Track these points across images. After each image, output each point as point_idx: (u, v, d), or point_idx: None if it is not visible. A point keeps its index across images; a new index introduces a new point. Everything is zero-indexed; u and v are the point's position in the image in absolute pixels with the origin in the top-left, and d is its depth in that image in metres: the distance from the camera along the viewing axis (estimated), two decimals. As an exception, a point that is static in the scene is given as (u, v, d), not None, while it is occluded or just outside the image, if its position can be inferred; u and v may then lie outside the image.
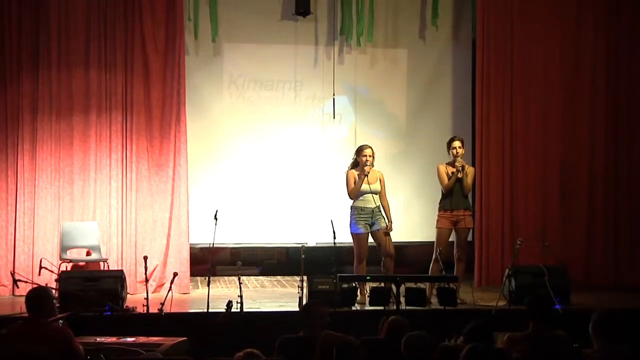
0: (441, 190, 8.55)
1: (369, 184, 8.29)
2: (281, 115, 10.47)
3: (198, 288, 9.52)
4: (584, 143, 9.97)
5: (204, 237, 9.01)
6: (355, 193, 8.35)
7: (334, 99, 10.30)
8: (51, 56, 9.11)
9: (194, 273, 9.54)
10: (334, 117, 10.34)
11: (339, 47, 10.47)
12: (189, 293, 9.18)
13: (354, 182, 8.35)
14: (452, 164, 8.49)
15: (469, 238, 8.92)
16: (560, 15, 9.97)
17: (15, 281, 8.16)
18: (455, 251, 8.52)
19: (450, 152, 8.49)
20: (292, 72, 10.49)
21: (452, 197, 8.46)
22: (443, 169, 8.53)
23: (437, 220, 8.55)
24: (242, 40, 10.39)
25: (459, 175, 8.39)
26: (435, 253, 8.36)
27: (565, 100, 9.97)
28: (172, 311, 7.48)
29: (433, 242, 8.64)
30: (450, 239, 8.56)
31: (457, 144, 8.48)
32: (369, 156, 8.34)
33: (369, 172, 8.27)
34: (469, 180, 8.52)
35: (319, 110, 10.53)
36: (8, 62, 9.07)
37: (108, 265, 8.91)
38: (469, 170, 8.58)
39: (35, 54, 9.10)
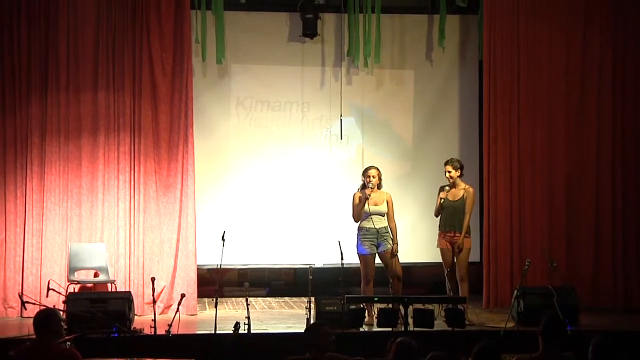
0: None
1: (370, 205, 8.28)
2: (288, 136, 10.51)
3: (205, 309, 9.51)
4: (591, 162, 9.93)
5: (212, 258, 8.99)
6: (356, 215, 8.38)
7: (341, 120, 10.32)
8: (60, 79, 9.16)
9: (201, 294, 9.53)
10: (341, 138, 10.37)
11: (346, 68, 10.52)
12: (196, 314, 9.17)
13: (357, 204, 8.36)
14: (449, 186, 8.57)
15: (476, 259, 8.90)
16: (566, 36, 9.97)
17: (23, 303, 8.15)
18: (457, 273, 8.51)
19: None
20: (299, 94, 10.52)
21: (445, 218, 8.58)
22: (440, 193, 8.61)
23: (437, 240, 8.63)
24: (249, 62, 10.45)
25: (442, 202, 8.52)
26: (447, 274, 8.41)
27: (571, 121, 9.95)
28: (179, 333, 7.46)
29: (440, 262, 8.68)
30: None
31: (446, 167, 8.58)
32: (373, 177, 8.34)
33: (369, 195, 8.27)
34: (468, 203, 8.52)
35: (326, 131, 10.55)
36: (17, 85, 9.12)
37: (116, 287, 8.91)
38: (468, 193, 8.57)
39: (44, 76, 9.15)
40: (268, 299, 10.48)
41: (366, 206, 8.29)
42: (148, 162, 9.29)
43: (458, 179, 8.57)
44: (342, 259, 8.02)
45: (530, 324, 7.56)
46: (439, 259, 8.71)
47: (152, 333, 7.49)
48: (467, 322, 7.95)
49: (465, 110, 10.73)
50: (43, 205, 9.07)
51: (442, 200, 8.52)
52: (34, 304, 8.05)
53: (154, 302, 7.83)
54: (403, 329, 7.49)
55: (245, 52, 10.41)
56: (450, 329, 7.71)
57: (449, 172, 8.54)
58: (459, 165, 8.59)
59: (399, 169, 10.60)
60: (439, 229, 8.63)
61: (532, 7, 9.93)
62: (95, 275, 9.08)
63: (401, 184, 10.38)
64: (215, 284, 8.19)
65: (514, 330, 7.80)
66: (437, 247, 8.65)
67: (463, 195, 8.54)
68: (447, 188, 8.56)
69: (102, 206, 9.18)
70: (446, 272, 8.40)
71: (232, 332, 7.06)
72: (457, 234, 8.49)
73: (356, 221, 8.44)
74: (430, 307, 7.82)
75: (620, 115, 9.95)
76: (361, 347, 6.35)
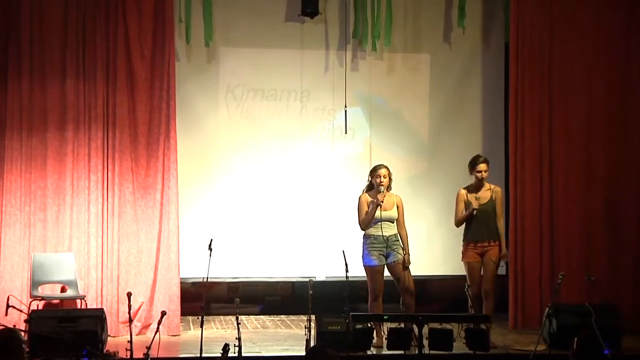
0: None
1: (382, 211, 8.25)
2: (285, 129, 10.50)
3: (190, 329, 9.51)
4: (634, 163, 9.91)
5: (197, 271, 8.97)
6: (366, 223, 8.35)
7: (345, 111, 10.32)
8: (22, 65, 9.14)
9: (185, 312, 9.53)
10: (345, 132, 10.36)
11: (351, 52, 10.51)
12: (179, 335, 9.17)
13: (366, 211, 8.32)
14: (475, 187, 8.46)
15: (503, 272, 8.86)
16: (606, 15, 9.95)
17: (-21, 322, 8.13)
18: (482, 286, 8.46)
19: (474, 175, 8.48)
20: (298, 81, 10.52)
21: (474, 226, 8.46)
22: (463, 196, 8.52)
23: (462, 253, 8.55)
24: (240, 45, 10.44)
25: (474, 213, 8.39)
26: (470, 290, 8.33)
27: (613, 113, 9.94)
28: (159, 356, 7.44)
29: (459, 275, 8.63)
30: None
31: (483, 167, 8.46)
32: (383, 177, 8.32)
33: (382, 201, 8.24)
34: (498, 205, 8.47)
35: (328, 124, 10.55)
36: (-28, 75, 9.13)
37: (86, 304, 8.89)
38: (497, 194, 8.51)
39: (4, 63, 9.13)
40: (262, 317, 10.49)
41: (377, 212, 8.27)
42: (124, 159, 9.28)
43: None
44: (346, 271, 7.99)
45: (563, 346, 7.53)
46: (457, 272, 8.70)
47: (128, 357, 7.44)
48: (490, 345, 7.91)
49: (489, 100, 10.72)
50: (2, 209, 9.06)
51: (474, 211, 8.39)
52: (-8, 323, 8.04)
53: (131, 321, 7.77)
54: (417, 351, 7.44)
55: (236, 33, 10.39)
56: (471, 352, 7.67)
57: (485, 171, 8.46)
58: (489, 163, 8.55)
59: (412, 168, 10.60)
60: (465, 240, 8.52)
61: (567, -19, 9.95)
62: (63, 290, 9.06)
63: (415, 185, 10.38)
64: (201, 299, 8.16)
65: (545, 354, 7.78)
66: (463, 260, 8.55)
67: (491, 196, 8.48)
68: (477, 198, 8.42)
69: (71, 211, 9.17)
70: (466, 287, 8.35)
71: (220, 355, 7.04)
72: (490, 243, 8.42)
73: (363, 229, 8.41)
74: (448, 326, 7.78)
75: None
76: (369, 374, 6.33)
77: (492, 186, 8.60)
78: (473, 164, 8.54)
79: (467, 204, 8.47)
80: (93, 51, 9.25)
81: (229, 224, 10.22)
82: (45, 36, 9.18)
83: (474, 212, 8.39)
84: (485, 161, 8.51)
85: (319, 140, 10.58)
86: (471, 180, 8.63)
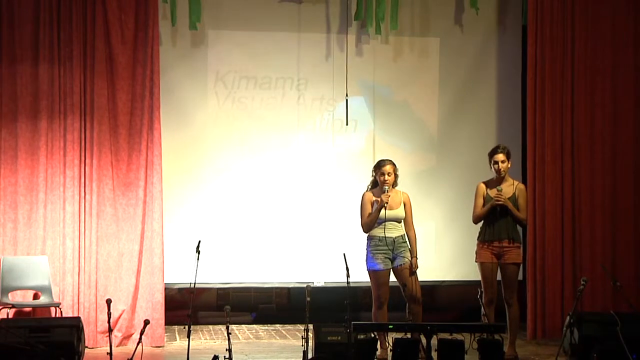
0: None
1: (386, 210, 8.26)
2: (281, 121, 10.50)
3: (175, 340, 9.55)
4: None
5: (183, 276, 9.00)
6: (369, 226, 8.36)
7: (347, 100, 10.31)
8: (-12, 46, 9.16)
9: (170, 321, 9.57)
10: (347, 124, 10.36)
11: (354, 35, 10.51)
12: (163, 346, 9.19)
13: (369, 212, 8.32)
14: (495, 182, 8.46)
15: (520, 276, 8.87)
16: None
17: (-57, 332, 8.14)
18: (503, 293, 8.46)
19: (492, 168, 8.48)
20: (294, 67, 10.52)
21: (493, 223, 8.45)
22: (482, 190, 8.51)
23: (476, 253, 8.57)
24: (231, 27, 10.43)
25: (498, 203, 8.37)
26: (483, 294, 8.33)
27: (640, 103, 9.97)
28: (142, 369, 7.44)
29: (471, 281, 8.63)
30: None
31: (499, 157, 8.45)
32: (388, 175, 8.31)
33: (387, 201, 8.24)
34: (521, 202, 8.46)
35: (328, 115, 10.55)
36: None
37: (61, 312, 8.90)
38: (520, 190, 8.52)
39: (-31, 46, 9.16)
40: (254, 326, 10.51)
41: (382, 211, 8.27)
42: (103, 153, 9.29)
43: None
44: (348, 276, 7.98)
45: (586, 358, 7.55)
46: (469, 277, 8.71)
47: (107, 370, 7.48)
48: (506, 357, 7.90)
49: (505, 88, 10.72)
50: (-31, 208, 9.09)
51: (497, 205, 8.36)
52: (-43, 333, 8.05)
53: (110, 330, 7.77)
54: (425, 364, 7.48)
55: (227, 14, 10.39)
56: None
57: (502, 162, 8.45)
58: (510, 155, 8.53)
59: (420, 163, 10.61)
60: (480, 238, 8.55)
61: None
62: (35, 296, 9.07)
63: (423, 182, 10.40)
64: (187, 307, 8.17)
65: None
66: (476, 261, 8.58)
67: (514, 193, 8.47)
68: (498, 190, 8.40)
69: (44, 209, 9.17)
70: (479, 293, 8.36)
71: (208, 368, 7.07)
72: (509, 244, 8.40)
73: (366, 232, 8.42)
74: (459, 337, 7.80)
75: None
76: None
77: (516, 182, 8.62)
78: (490, 155, 8.54)
79: (487, 198, 8.47)
80: (69, 33, 9.23)
81: (219, 224, 10.22)
82: (15, 16, 9.16)
83: (497, 207, 8.38)
84: (503, 151, 8.48)
85: (317, 132, 10.58)
86: (484, 175, 8.62)
